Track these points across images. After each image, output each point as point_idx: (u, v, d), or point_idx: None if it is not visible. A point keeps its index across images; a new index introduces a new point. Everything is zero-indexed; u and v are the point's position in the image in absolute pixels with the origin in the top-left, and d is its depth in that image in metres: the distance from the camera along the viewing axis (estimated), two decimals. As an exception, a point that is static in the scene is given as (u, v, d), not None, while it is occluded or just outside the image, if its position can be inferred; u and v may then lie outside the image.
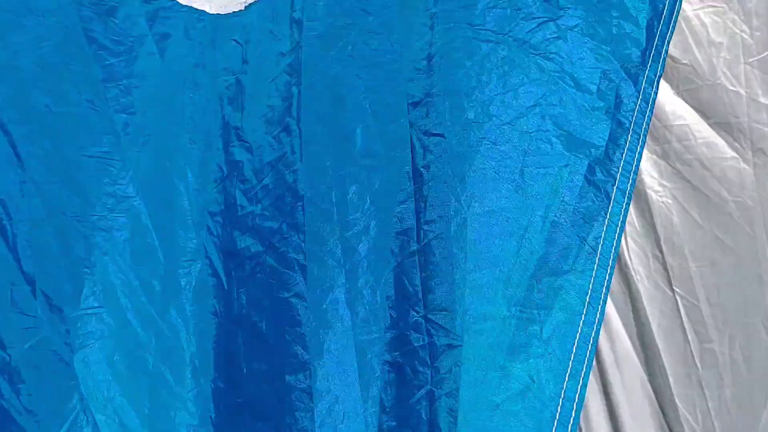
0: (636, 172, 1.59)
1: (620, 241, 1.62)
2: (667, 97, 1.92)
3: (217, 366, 1.36)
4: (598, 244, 1.48)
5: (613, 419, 1.94)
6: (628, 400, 1.96)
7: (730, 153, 1.89)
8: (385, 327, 1.36)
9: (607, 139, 1.54)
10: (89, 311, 1.33)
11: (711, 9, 1.87)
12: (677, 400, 1.93)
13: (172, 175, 1.40)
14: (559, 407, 1.40)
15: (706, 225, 1.93)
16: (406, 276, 1.37)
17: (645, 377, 1.96)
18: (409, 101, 1.43)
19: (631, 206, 1.97)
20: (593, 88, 1.51)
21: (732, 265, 1.93)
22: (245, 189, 1.40)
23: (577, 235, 1.48)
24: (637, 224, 2.00)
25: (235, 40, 1.44)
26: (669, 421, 1.94)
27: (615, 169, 1.52)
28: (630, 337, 1.98)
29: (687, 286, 1.97)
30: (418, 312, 1.35)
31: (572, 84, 1.49)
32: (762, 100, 1.86)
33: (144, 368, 1.33)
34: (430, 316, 1.35)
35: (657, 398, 1.95)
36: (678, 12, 1.67)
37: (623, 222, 1.58)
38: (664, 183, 1.95)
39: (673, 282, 1.98)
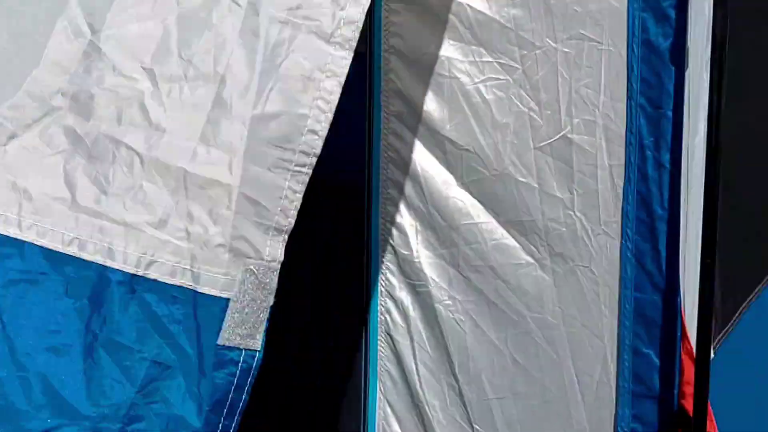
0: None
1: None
2: (451, 190, 1.56)
3: None
4: None
5: None
6: None
7: (526, 258, 1.54)
8: None
9: None
10: None
11: (493, 82, 1.51)
12: None
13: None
14: None
15: (504, 347, 1.57)
16: None
17: None
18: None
19: (420, 324, 1.61)
20: None
21: (537, 396, 1.57)
22: None
23: None
24: (428, 346, 1.63)
25: None
26: None
27: None
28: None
29: (487, 421, 1.60)
30: None
31: None
32: (557, 193, 1.50)
33: None
34: None
35: None
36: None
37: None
38: (455, 295, 1.59)
39: (471, 416, 1.61)
